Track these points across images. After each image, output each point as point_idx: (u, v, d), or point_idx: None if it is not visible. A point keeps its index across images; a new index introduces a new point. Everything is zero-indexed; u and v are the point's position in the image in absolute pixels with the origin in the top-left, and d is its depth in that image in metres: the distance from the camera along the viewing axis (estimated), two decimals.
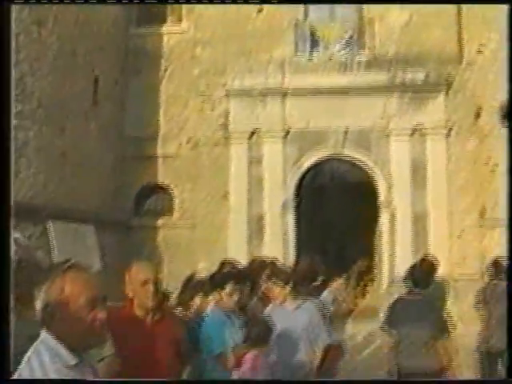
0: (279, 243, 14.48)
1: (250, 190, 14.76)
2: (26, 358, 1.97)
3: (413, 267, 5.87)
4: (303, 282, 5.64)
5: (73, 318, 1.98)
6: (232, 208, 14.78)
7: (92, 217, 13.04)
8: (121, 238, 14.55)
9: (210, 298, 4.88)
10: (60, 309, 1.97)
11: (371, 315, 14.37)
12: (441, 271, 7.49)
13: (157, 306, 3.75)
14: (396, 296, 6.30)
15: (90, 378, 2.03)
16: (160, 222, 15.42)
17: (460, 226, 14.34)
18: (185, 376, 4.22)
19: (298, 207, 15.05)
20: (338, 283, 7.15)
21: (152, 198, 15.76)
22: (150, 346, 3.64)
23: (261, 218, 14.75)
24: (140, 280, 3.69)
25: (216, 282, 4.72)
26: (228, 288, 4.62)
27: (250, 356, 4.44)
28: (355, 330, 11.23)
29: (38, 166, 11.16)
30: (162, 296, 3.90)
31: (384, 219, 14.93)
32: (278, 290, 5.15)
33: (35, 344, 2.00)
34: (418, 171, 14.68)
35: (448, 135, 14.72)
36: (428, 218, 14.59)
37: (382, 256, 15.11)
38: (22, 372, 1.92)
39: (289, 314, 5.09)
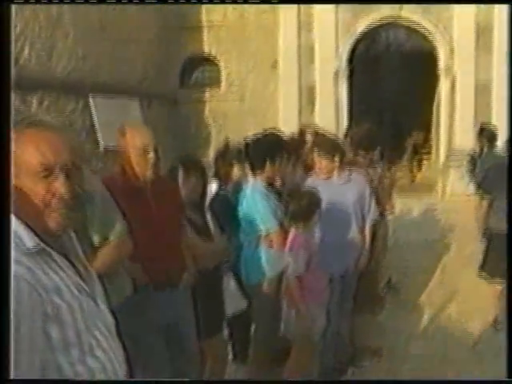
0: (331, 114, 13.85)
1: (300, 58, 13.99)
2: None
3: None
4: (359, 150, 5.16)
5: (26, 191, 1.53)
6: (282, 78, 14.13)
7: (136, 90, 12.63)
8: (167, 111, 14.19)
9: (248, 170, 4.42)
10: (13, 178, 1.51)
11: (428, 189, 13.94)
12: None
13: (156, 175, 3.29)
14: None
15: (57, 267, 1.56)
16: (207, 94, 14.93)
17: None
18: (214, 254, 3.85)
19: (350, 77, 14.22)
20: (391, 155, 6.70)
21: (198, 70, 15.15)
22: (157, 218, 3.26)
23: (312, 88, 14.06)
24: (138, 147, 3.22)
25: (261, 152, 4.14)
26: (276, 160, 4.12)
27: (294, 233, 4.06)
28: (411, 205, 10.84)
29: (76, 39, 10.63)
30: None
31: (443, 88, 14.01)
32: (325, 163, 4.67)
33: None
34: (483, 35, 13.52)
35: None
36: (492, 86, 13.59)
37: (440, 128, 14.36)
38: None
39: (337, 187, 4.66)
